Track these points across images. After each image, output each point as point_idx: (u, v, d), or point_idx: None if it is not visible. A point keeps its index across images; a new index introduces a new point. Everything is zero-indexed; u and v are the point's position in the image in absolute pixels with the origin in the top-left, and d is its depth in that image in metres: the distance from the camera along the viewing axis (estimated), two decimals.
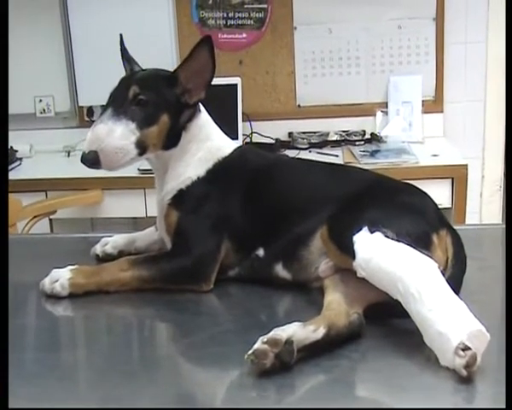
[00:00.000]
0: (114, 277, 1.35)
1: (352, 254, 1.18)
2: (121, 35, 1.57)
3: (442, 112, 3.45)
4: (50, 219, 3.18)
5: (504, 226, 1.91)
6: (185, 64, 1.39)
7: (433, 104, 3.44)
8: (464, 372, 0.99)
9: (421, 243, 1.19)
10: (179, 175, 1.43)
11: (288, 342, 1.03)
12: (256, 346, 1.02)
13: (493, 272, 1.46)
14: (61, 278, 1.35)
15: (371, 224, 1.19)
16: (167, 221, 1.42)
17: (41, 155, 3.54)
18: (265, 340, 1.02)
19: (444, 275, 1.15)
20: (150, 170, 3.00)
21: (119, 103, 1.37)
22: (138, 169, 3.09)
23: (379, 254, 1.15)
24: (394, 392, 1.01)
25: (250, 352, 1.02)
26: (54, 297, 1.35)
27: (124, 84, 1.41)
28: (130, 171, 3.11)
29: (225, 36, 3.48)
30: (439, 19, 3.36)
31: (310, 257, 1.32)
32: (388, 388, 1.02)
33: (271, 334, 1.04)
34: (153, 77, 1.43)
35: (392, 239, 1.17)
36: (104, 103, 1.40)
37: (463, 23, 3.37)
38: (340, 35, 3.40)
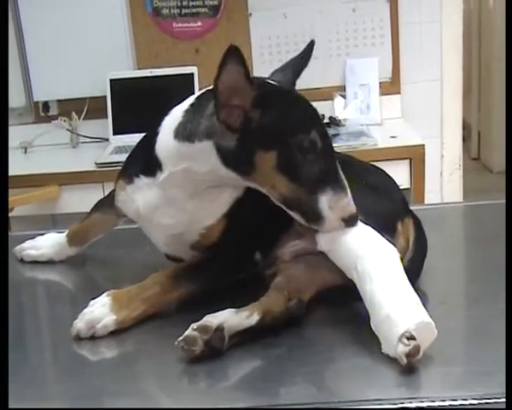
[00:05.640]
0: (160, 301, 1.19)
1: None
2: None
3: (399, 93, 3.45)
4: (8, 218, 3.14)
5: (464, 204, 1.94)
6: None
7: (391, 86, 3.44)
8: (404, 360, 0.98)
9: (387, 230, 1.18)
10: None
11: (219, 328, 1.03)
12: (186, 333, 1.02)
13: (447, 254, 1.46)
14: (103, 319, 1.14)
15: None
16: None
17: None
18: (195, 327, 1.03)
19: (402, 262, 1.15)
20: (108, 163, 3.01)
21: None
22: (95, 163, 3.06)
23: (344, 230, 1.13)
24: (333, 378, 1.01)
25: (180, 339, 1.02)
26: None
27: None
28: (88, 165, 3.09)
29: (180, 25, 3.44)
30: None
31: None
32: (328, 375, 1.03)
33: (202, 321, 1.04)
34: None
35: (360, 221, 1.16)
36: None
37: (417, 3, 3.38)
38: (295, 20, 3.38)
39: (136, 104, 3.36)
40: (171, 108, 1.44)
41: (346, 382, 1.00)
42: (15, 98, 3.49)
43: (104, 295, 1.16)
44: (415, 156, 2.97)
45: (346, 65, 3.42)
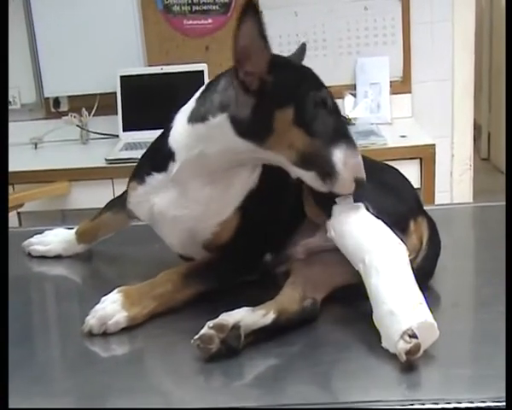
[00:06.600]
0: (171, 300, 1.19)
1: (329, 213, 1.16)
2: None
3: (410, 92, 3.44)
4: (18, 213, 3.15)
5: (474, 205, 1.93)
6: None
7: (401, 85, 3.43)
8: (404, 357, 0.97)
9: (399, 227, 1.18)
10: None
11: (235, 327, 1.03)
12: (202, 331, 1.02)
13: (457, 256, 1.46)
14: (115, 315, 1.14)
15: (357, 195, 1.16)
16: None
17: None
18: (211, 325, 1.02)
19: (415, 261, 1.17)
20: (118, 160, 3.02)
21: None
22: (105, 159, 3.06)
23: (355, 221, 1.14)
24: (339, 379, 1.01)
25: (196, 337, 1.02)
26: None
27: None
28: (97, 161, 3.09)
29: (191, 22, 3.44)
30: None
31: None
32: (336, 375, 1.02)
33: (218, 319, 1.03)
34: None
35: (373, 215, 1.16)
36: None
37: (429, 2, 3.37)
38: (305, 18, 3.38)
39: (146, 101, 3.36)
40: (181, 105, 1.44)
41: (352, 383, 0.99)
42: (26, 94, 3.51)
43: (115, 291, 1.16)
44: (425, 156, 2.96)
45: (356, 63, 3.41)
